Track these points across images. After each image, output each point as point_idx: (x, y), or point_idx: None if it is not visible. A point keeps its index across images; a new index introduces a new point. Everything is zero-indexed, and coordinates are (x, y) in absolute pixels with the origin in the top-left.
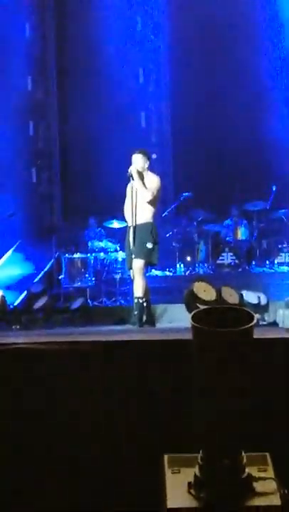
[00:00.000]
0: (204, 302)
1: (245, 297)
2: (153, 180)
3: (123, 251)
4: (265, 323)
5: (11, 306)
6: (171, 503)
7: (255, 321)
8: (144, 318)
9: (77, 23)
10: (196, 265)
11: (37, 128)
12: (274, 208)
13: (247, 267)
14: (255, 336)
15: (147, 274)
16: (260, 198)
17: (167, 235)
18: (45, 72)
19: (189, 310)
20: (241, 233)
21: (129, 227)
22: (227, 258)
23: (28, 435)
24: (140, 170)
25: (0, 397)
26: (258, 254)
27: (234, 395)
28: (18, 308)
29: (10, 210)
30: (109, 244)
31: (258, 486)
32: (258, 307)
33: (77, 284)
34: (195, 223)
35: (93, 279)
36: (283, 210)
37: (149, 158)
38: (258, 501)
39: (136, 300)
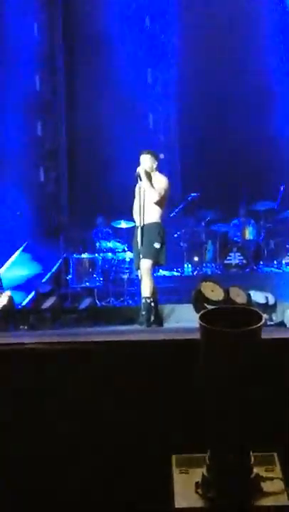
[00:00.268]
0: (212, 302)
1: (253, 297)
2: (161, 181)
3: (131, 251)
4: (272, 323)
5: (19, 306)
6: (178, 503)
7: (263, 321)
8: (152, 318)
9: (85, 23)
10: (204, 265)
11: (45, 128)
12: (282, 208)
13: (255, 267)
14: (263, 336)
15: (155, 274)
16: (268, 197)
17: (175, 235)
18: (53, 72)
19: (197, 310)
20: (249, 233)
21: (137, 227)
22: (235, 258)
23: (35, 436)
24: (148, 170)
25: (7, 397)
26: (265, 254)
27: (242, 395)
28: (26, 309)
29: (18, 210)
30: (117, 244)
31: (266, 486)
32: (266, 307)
33: (85, 284)
34: (203, 223)
35: (101, 279)
36: None
37: (157, 158)
38: (265, 501)
39: (144, 300)
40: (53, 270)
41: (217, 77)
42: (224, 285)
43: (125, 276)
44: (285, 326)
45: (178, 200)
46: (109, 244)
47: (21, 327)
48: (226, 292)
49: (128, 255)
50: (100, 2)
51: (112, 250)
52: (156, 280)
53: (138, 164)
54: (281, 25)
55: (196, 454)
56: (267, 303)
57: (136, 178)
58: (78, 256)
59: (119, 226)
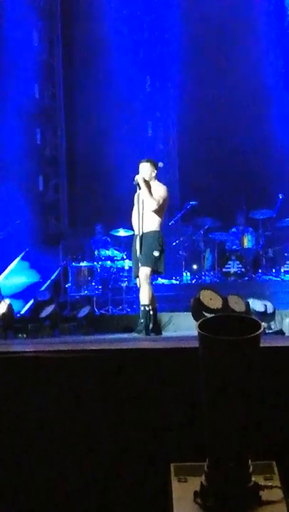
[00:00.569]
0: (211, 310)
1: (251, 305)
2: (159, 190)
3: (130, 259)
4: (271, 331)
5: (18, 315)
6: None
7: (262, 329)
8: (151, 326)
9: (84, 30)
10: (203, 273)
11: (44, 135)
12: (280, 217)
13: (253, 276)
14: (261, 345)
15: (154, 283)
16: (267, 206)
17: (174, 244)
18: (52, 79)
19: (196, 318)
20: (247, 241)
21: (136, 235)
22: (233, 266)
23: (34, 442)
24: (147, 178)
25: (7, 405)
26: (264, 263)
27: (241, 403)
28: (25, 317)
29: (17, 218)
30: (116, 252)
31: (265, 495)
32: (265, 315)
33: (84, 293)
34: (201, 231)
35: (100, 287)
36: None
37: (156, 167)
38: (264, 510)
39: (142, 308)
40: (52, 278)
41: (216, 86)
42: (223, 293)
43: (124, 285)
44: (284, 334)
45: (176, 208)
46: (108, 253)
47: (20, 335)
48: (225, 300)
49: (127, 263)
50: (99, 11)
51: (111, 258)
52: (155, 288)
53: (137, 172)
54: (281, 34)
55: (195, 462)
56: (266, 311)
57: (135, 186)
58: (77, 264)
59: (117, 234)
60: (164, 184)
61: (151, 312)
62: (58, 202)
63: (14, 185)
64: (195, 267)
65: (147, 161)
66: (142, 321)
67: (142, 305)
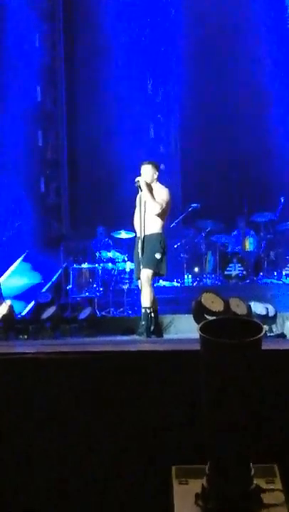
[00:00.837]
0: (212, 313)
1: (253, 308)
2: (162, 193)
3: (131, 261)
4: (273, 334)
5: (19, 316)
6: None
7: (263, 332)
8: (152, 328)
9: (86, 33)
10: (204, 276)
11: (46, 138)
12: (282, 219)
13: (255, 278)
14: (263, 348)
15: (155, 285)
16: (269, 209)
17: (175, 246)
18: (54, 82)
19: (197, 321)
20: (249, 244)
21: (138, 237)
22: (235, 269)
23: (34, 442)
24: (149, 181)
25: (7, 406)
26: (265, 266)
27: (242, 406)
28: (26, 318)
29: (19, 220)
30: (117, 254)
31: (266, 498)
32: (266, 318)
33: (85, 294)
34: (203, 234)
35: (101, 289)
36: None
37: (157, 169)
38: None
39: (143, 310)
40: (53, 280)
41: (218, 89)
42: (224, 296)
43: (125, 287)
44: (285, 337)
45: (178, 210)
46: (110, 255)
47: (21, 337)
48: (226, 303)
49: (128, 265)
50: (101, 14)
51: (112, 260)
52: (157, 291)
53: (139, 174)
54: (283, 37)
55: (195, 464)
56: (267, 314)
57: (136, 189)
58: (78, 266)
59: (119, 236)
60: (166, 186)
61: (152, 314)
62: (60, 204)
63: (16, 188)
64: (196, 269)
65: (149, 163)
66: (143, 323)
67: (144, 307)
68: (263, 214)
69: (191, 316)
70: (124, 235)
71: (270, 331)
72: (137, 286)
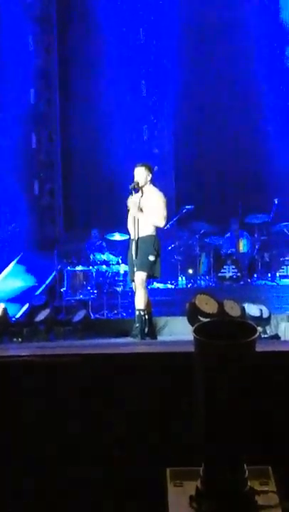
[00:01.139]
0: (206, 315)
1: (247, 310)
2: (159, 202)
3: (125, 264)
4: (267, 336)
5: (13, 319)
6: None
7: (257, 334)
8: (146, 330)
9: (79, 35)
10: (198, 278)
11: (39, 140)
12: (276, 221)
13: (249, 280)
14: (257, 349)
15: (149, 287)
16: (263, 210)
17: (169, 248)
18: (48, 84)
19: (191, 323)
20: (243, 246)
21: (132, 239)
22: (229, 271)
23: (28, 447)
24: (142, 183)
25: (1, 409)
26: (259, 267)
27: (237, 408)
28: (20, 321)
29: (12, 222)
30: (111, 256)
31: (260, 500)
32: (260, 320)
33: (79, 297)
34: (197, 236)
35: (95, 291)
36: (285, 223)
37: (151, 171)
38: None
39: (137, 312)
40: (47, 282)
41: (212, 91)
42: (218, 298)
43: (119, 289)
44: (280, 338)
45: (172, 212)
46: (104, 257)
47: (15, 339)
48: (220, 305)
49: (122, 268)
50: (95, 17)
51: (107, 263)
52: (151, 293)
53: (132, 176)
54: (278, 39)
55: (191, 467)
56: (261, 316)
57: (130, 191)
58: (72, 268)
59: (113, 238)
60: (160, 188)
61: (146, 317)
62: (54, 206)
63: (9, 190)
64: (190, 271)
65: (142, 165)
66: (138, 325)
67: (138, 309)
68: (257, 216)
69: (185, 317)
70: (118, 237)
71: (264, 332)
72: (131, 288)
